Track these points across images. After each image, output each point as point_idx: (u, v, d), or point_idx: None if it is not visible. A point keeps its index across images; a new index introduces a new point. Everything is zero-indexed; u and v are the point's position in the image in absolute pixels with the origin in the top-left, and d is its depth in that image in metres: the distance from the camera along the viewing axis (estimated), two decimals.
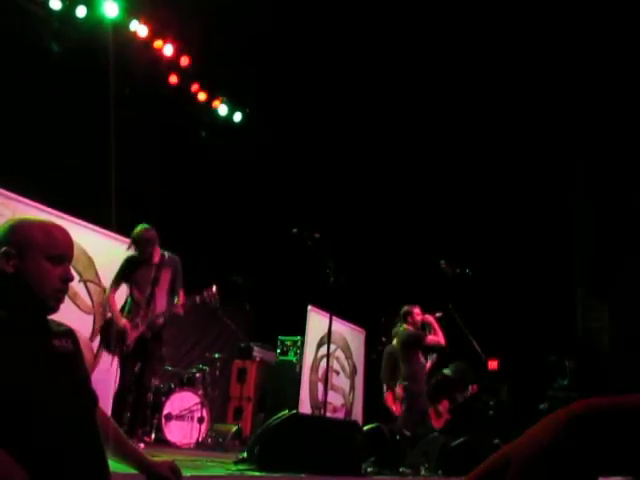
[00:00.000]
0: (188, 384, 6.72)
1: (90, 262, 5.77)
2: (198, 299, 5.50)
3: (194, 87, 8.65)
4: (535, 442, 0.62)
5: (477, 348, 7.31)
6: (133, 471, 1.85)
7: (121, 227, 5.68)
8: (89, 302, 5.78)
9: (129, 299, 5.52)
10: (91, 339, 5.65)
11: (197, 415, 6.38)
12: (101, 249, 5.83)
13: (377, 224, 9.38)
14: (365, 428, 5.54)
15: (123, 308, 5.49)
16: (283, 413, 4.40)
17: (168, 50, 8.12)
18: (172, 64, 8.26)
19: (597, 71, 7.99)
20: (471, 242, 8.79)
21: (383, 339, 7.90)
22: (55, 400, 1.56)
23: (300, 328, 7.76)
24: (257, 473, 3.88)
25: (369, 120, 8.78)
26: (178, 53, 8.21)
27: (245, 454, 4.34)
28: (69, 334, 1.73)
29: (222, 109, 9.05)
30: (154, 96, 8.08)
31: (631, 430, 0.60)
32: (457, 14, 7.55)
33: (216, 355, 7.34)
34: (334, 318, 6.27)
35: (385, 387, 7.32)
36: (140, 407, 5.45)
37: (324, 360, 7.20)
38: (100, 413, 1.76)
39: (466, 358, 7.70)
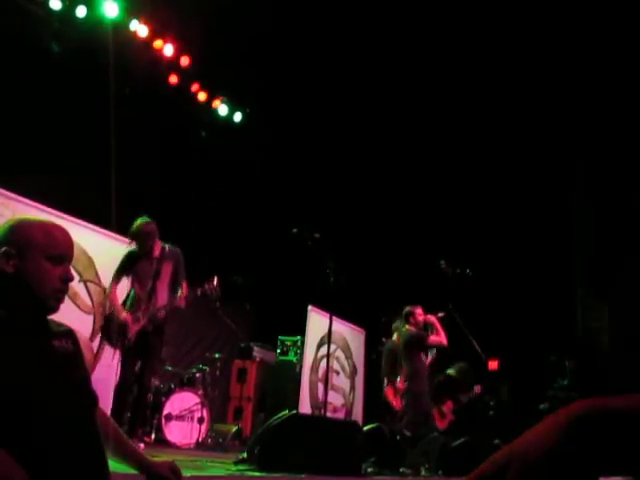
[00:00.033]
0: (188, 384, 6.71)
1: (90, 262, 5.77)
2: (199, 291, 5.51)
3: (194, 87, 8.66)
4: (535, 442, 0.62)
5: (477, 348, 7.32)
6: (133, 471, 1.85)
7: (121, 227, 5.68)
8: (89, 302, 5.78)
9: (131, 293, 5.54)
10: (91, 339, 5.65)
11: (197, 415, 6.38)
12: (101, 249, 5.83)
13: (377, 224, 9.38)
14: (365, 428, 5.54)
15: (125, 302, 5.51)
16: (283, 413, 4.40)
17: (168, 50, 8.12)
18: (172, 64, 8.26)
19: (597, 72, 7.99)
20: (471, 242, 8.79)
21: (383, 339, 7.91)
22: (55, 400, 1.56)
23: (300, 328, 7.76)
24: (257, 473, 3.88)
25: (369, 120, 8.78)
26: (178, 53, 8.21)
27: (245, 454, 4.34)
28: (69, 334, 1.73)
29: (222, 109, 9.05)
30: (154, 96, 8.08)
31: (631, 430, 0.60)
32: (457, 13, 7.54)
33: (216, 355, 7.34)
34: (334, 318, 6.27)
35: (385, 382, 7.33)
36: (140, 406, 5.46)
37: (324, 360, 7.20)
38: (100, 413, 1.76)
39: (466, 358, 7.70)
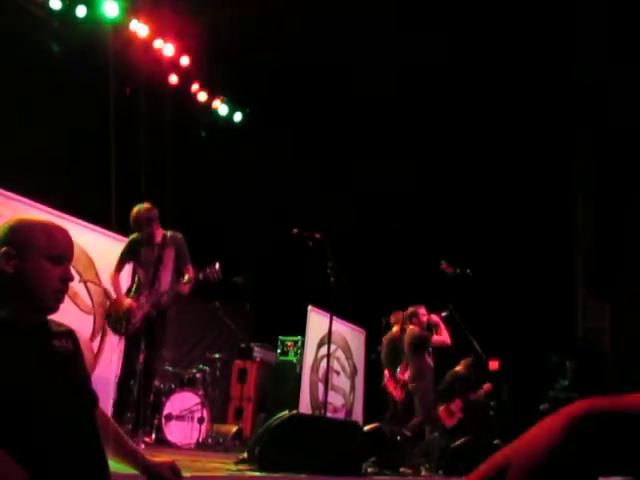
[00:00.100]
0: (188, 384, 6.71)
1: (90, 262, 5.76)
2: (201, 275, 5.53)
3: (194, 87, 8.65)
4: (535, 443, 0.62)
5: (478, 348, 7.32)
6: (133, 471, 1.84)
7: (121, 227, 5.69)
8: (89, 302, 5.77)
9: (136, 280, 5.57)
10: (91, 339, 5.64)
11: (197, 415, 6.38)
12: (101, 249, 5.82)
13: (377, 224, 9.38)
14: (365, 428, 5.54)
15: (130, 289, 5.55)
16: (283, 413, 4.40)
17: (168, 50, 8.11)
18: (172, 64, 8.26)
19: (597, 72, 7.99)
20: (471, 242, 8.79)
21: (383, 339, 7.91)
22: (55, 400, 1.56)
23: (300, 328, 7.75)
24: (257, 473, 3.88)
25: (369, 120, 8.78)
26: (178, 53, 8.21)
27: (245, 454, 4.34)
28: (69, 334, 1.73)
29: (222, 109, 9.05)
30: (154, 96, 8.08)
31: (631, 430, 0.60)
32: (457, 13, 7.54)
33: (216, 355, 7.34)
34: (334, 318, 6.27)
35: (386, 372, 7.33)
36: (147, 391, 5.45)
37: (324, 360, 7.20)
38: (100, 413, 1.76)
39: (466, 358, 7.71)
